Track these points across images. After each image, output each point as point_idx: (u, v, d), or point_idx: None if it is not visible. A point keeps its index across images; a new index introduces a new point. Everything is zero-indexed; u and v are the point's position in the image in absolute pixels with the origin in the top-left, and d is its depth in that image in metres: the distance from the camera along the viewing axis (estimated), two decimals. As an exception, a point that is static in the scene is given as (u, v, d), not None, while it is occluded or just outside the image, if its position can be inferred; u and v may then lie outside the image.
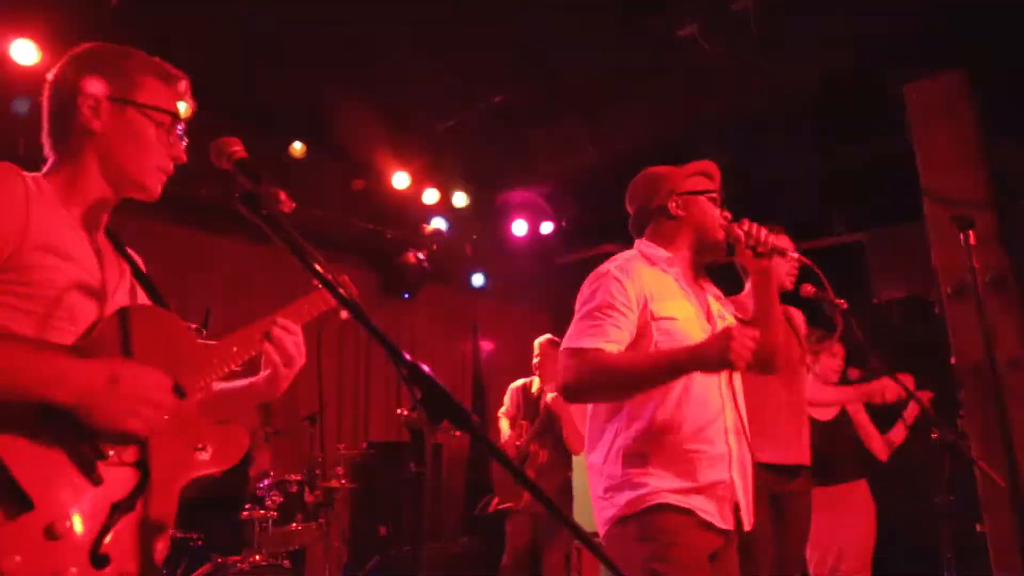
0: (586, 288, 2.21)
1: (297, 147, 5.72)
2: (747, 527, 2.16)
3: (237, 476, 4.13)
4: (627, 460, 2.10)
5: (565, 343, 2.14)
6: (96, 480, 1.36)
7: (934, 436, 2.77)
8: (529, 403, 4.98)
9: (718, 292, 2.45)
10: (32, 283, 1.41)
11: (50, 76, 1.58)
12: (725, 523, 2.11)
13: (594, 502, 2.21)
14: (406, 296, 7.05)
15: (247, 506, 3.99)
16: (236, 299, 5.93)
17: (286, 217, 1.30)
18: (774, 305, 2.31)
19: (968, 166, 4.57)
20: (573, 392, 2.14)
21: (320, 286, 1.76)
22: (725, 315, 2.35)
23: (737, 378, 2.24)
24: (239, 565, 3.71)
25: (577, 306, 2.20)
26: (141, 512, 1.42)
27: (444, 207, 6.71)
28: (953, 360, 4.57)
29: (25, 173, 1.50)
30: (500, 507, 4.83)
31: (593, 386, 2.10)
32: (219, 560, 3.73)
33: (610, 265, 2.22)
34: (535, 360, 4.98)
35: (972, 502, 4.24)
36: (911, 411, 4.21)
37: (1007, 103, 4.43)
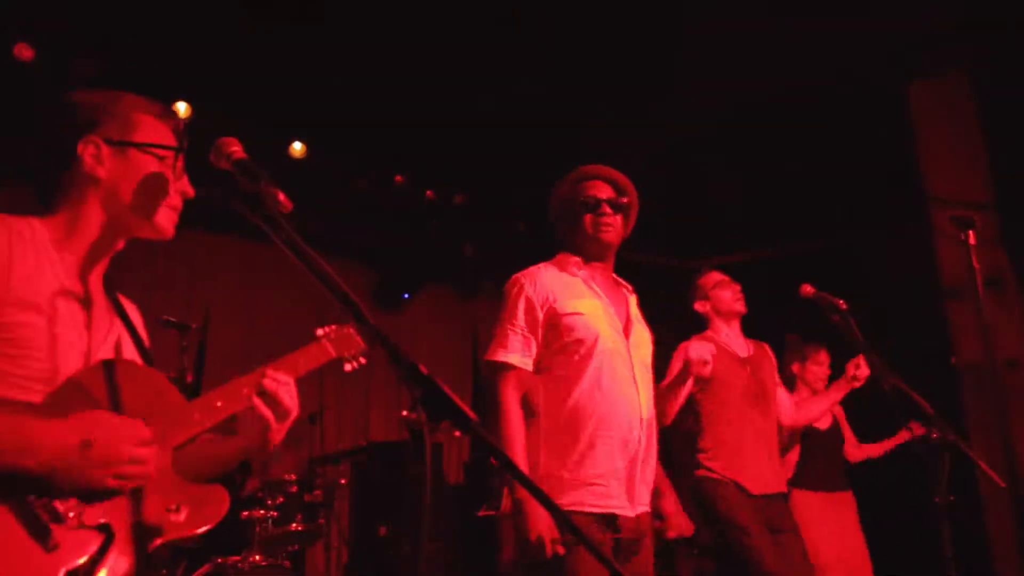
0: (504, 295, 2.45)
1: (297, 147, 5.72)
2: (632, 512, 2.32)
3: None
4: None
5: (485, 351, 2.42)
6: (50, 546, 1.28)
7: (934, 436, 2.77)
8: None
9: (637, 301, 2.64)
10: (12, 340, 1.38)
11: (42, 125, 1.56)
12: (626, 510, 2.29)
13: None
14: (406, 296, 7.05)
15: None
16: (237, 300, 5.94)
17: (285, 217, 1.29)
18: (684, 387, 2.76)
19: (969, 166, 4.58)
20: (490, 412, 2.34)
21: (318, 338, 1.75)
22: (641, 319, 2.56)
23: (644, 375, 2.44)
24: (239, 565, 3.71)
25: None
26: None
27: (443, 206, 6.71)
28: (953, 360, 4.57)
29: (13, 220, 1.47)
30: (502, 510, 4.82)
31: (496, 426, 2.30)
32: (219, 560, 3.72)
33: (519, 274, 2.45)
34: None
35: (972, 502, 4.25)
36: (901, 436, 4.36)
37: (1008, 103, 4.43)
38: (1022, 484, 2.64)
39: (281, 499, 4.14)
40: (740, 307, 3.62)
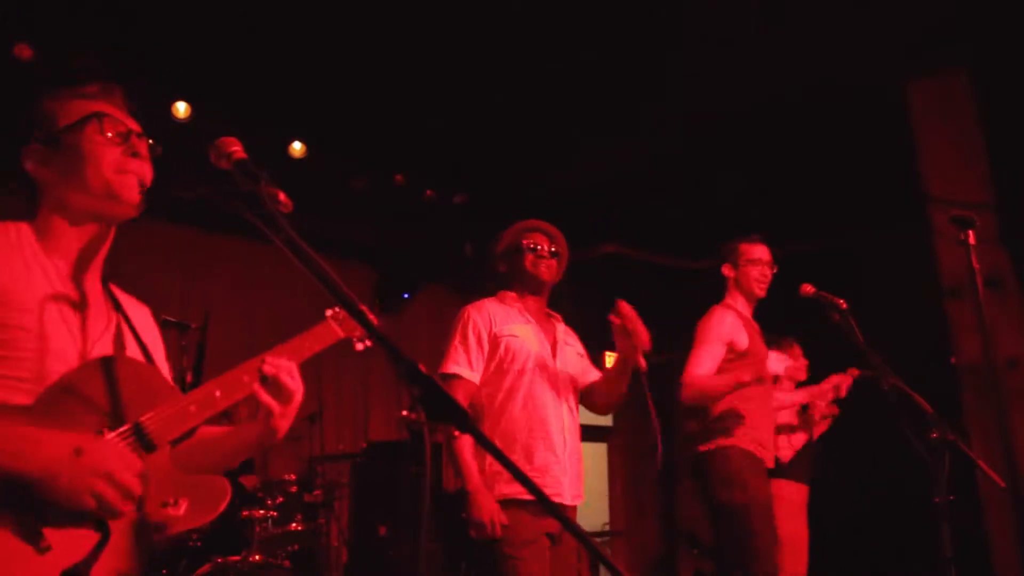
0: (455, 321, 2.93)
1: (297, 147, 5.72)
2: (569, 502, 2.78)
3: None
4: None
5: (440, 365, 2.85)
6: (42, 548, 1.27)
7: (934, 436, 2.77)
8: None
9: (566, 328, 3.11)
10: (2, 342, 1.39)
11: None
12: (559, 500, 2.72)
13: None
14: (406, 296, 7.05)
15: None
16: (236, 300, 5.93)
17: (285, 217, 1.29)
18: (626, 375, 2.90)
19: (968, 166, 4.57)
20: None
21: (326, 318, 1.73)
22: (569, 340, 3.04)
23: (565, 384, 2.90)
24: (239, 565, 3.71)
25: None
26: None
27: (443, 207, 6.72)
28: (953, 360, 4.57)
29: (4, 226, 1.49)
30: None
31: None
32: (219, 560, 3.72)
33: (468, 306, 2.94)
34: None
35: (972, 502, 4.25)
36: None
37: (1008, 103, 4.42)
38: (1022, 484, 2.63)
39: (281, 499, 4.14)
40: (758, 290, 3.61)
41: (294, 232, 1.26)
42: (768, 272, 3.63)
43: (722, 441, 3.38)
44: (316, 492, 4.59)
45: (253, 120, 4.83)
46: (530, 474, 2.56)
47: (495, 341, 2.85)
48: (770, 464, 3.45)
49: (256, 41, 4.66)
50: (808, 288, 3.26)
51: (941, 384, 3.98)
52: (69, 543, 1.30)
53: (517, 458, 2.70)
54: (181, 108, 5.00)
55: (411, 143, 5.88)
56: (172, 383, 1.62)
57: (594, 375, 3.05)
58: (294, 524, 4.23)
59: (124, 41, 4.35)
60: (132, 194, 1.55)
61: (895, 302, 5.38)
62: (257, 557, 3.79)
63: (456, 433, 2.62)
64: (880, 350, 3.07)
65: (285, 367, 1.58)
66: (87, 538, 1.33)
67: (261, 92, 4.99)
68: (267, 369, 1.56)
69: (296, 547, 4.33)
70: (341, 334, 1.75)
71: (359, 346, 1.76)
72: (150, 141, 1.61)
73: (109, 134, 1.55)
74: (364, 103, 5.29)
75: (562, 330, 3.06)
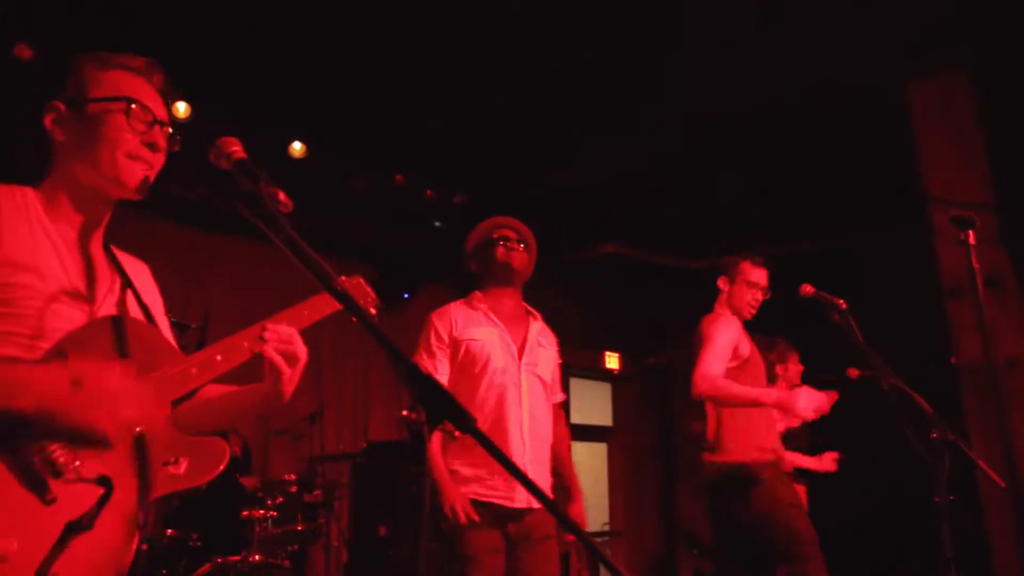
0: (423, 327, 3.03)
1: (297, 147, 5.72)
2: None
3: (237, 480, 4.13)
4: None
5: None
6: (47, 499, 1.29)
7: (934, 436, 2.77)
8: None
9: (543, 327, 3.13)
10: (9, 300, 1.39)
11: (22, 96, 1.59)
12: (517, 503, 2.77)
13: None
14: (406, 296, 7.05)
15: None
16: (236, 300, 5.93)
17: (285, 217, 1.29)
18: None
19: (968, 166, 4.57)
20: None
21: (323, 290, 1.75)
22: (542, 342, 3.05)
23: (529, 386, 2.92)
24: (239, 565, 3.71)
25: None
26: (101, 531, 1.33)
27: (444, 207, 6.71)
28: (953, 360, 4.57)
29: (4, 187, 1.49)
30: None
31: None
32: (219, 560, 3.72)
33: (433, 312, 3.04)
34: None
35: (972, 502, 4.25)
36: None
37: (1008, 103, 4.42)
38: (1022, 484, 2.63)
39: (281, 499, 4.14)
40: (747, 314, 3.66)
41: (294, 232, 1.26)
42: (761, 298, 3.66)
43: (736, 455, 3.40)
44: (316, 492, 4.59)
45: (253, 120, 4.83)
46: (484, 477, 2.77)
47: (456, 345, 2.93)
48: (787, 468, 3.51)
49: (256, 41, 4.65)
50: (808, 288, 3.26)
51: (941, 384, 3.98)
52: (74, 496, 1.32)
53: (472, 460, 2.79)
54: (181, 108, 5.00)
55: (411, 143, 5.88)
56: (173, 342, 1.65)
57: (558, 397, 3.12)
58: (294, 524, 4.23)
59: (124, 41, 4.33)
60: (133, 180, 1.55)
61: (895, 302, 5.38)
62: (257, 557, 3.79)
63: (457, 433, 2.63)
64: (880, 350, 3.07)
65: (285, 333, 1.61)
66: (91, 492, 1.35)
67: (261, 92, 4.99)
68: (267, 335, 1.59)
69: (296, 547, 4.33)
70: (338, 304, 1.74)
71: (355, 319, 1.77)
72: (170, 131, 1.62)
73: (134, 122, 1.55)
74: (364, 103, 5.29)
75: (537, 330, 3.08)
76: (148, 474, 1.43)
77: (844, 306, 3.13)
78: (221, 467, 1.52)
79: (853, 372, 4.35)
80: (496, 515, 2.76)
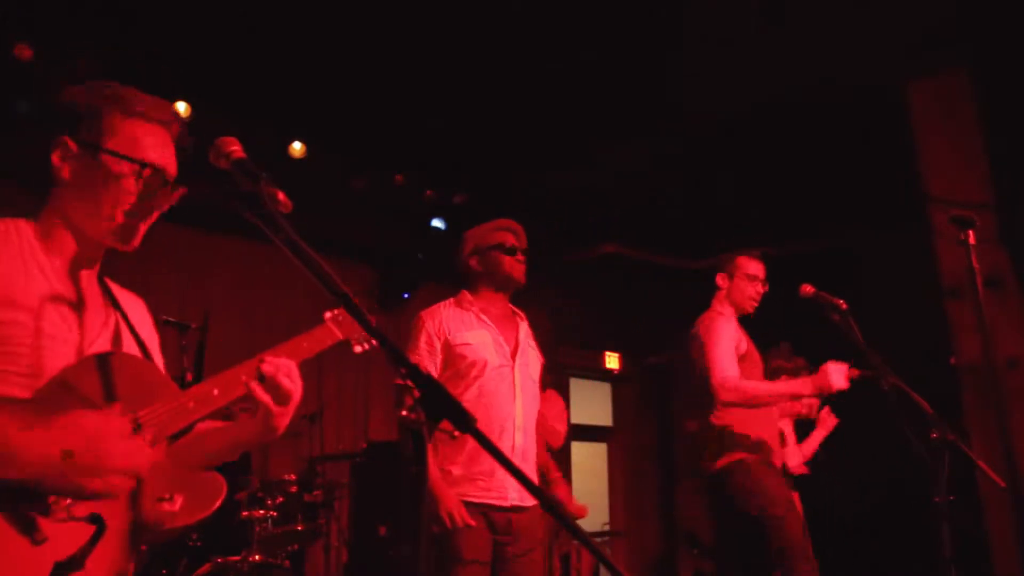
0: (411, 329, 3.00)
1: (297, 147, 5.72)
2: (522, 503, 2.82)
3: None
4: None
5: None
6: (38, 540, 1.27)
7: (934, 436, 2.77)
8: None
9: (528, 327, 3.13)
10: (1, 339, 1.38)
11: (31, 124, 1.57)
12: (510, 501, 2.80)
13: None
14: (405, 296, 7.05)
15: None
16: (236, 300, 5.93)
17: (285, 217, 1.28)
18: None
19: (968, 166, 4.57)
20: None
21: (325, 321, 1.74)
22: (530, 343, 3.06)
23: (529, 389, 2.95)
24: (239, 565, 3.71)
25: None
26: (93, 569, 1.32)
27: (444, 207, 6.72)
28: (953, 360, 4.57)
29: (3, 223, 1.48)
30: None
31: None
32: (219, 560, 3.72)
33: (423, 312, 3.00)
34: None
35: (972, 502, 4.24)
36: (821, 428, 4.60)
37: (1007, 103, 4.42)
38: (1022, 484, 2.63)
39: (281, 499, 4.14)
40: (749, 308, 3.65)
41: (294, 232, 1.26)
42: (762, 290, 3.66)
43: (736, 455, 3.39)
44: (316, 492, 4.59)
45: (253, 120, 4.83)
46: (476, 478, 2.78)
47: (449, 350, 2.91)
48: (796, 464, 3.53)
49: (256, 41, 4.65)
50: (808, 288, 3.26)
51: (941, 384, 3.98)
52: (65, 535, 1.30)
53: (464, 461, 2.80)
54: (181, 108, 5.00)
55: (411, 143, 5.88)
56: (168, 378, 1.62)
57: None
58: (294, 524, 4.23)
59: (124, 41, 4.35)
60: (135, 242, 1.56)
61: (895, 302, 5.38)
62: (257, 557, 3.79)
63: (456, 433, 2.63)
64: (880, 350, 3.07)
65: (284, 366, 1.57)
66: (83, 530, 1.33)
67: (261, 92, 4.99)
68: (266, 368, 1.55)
69: (296, 547, 4.33)
70: (340, 336, 1.74)
71: (358, 348, 1.76)
72: (175, 187, 1.59)
73: (144, 186, 1.53)
74: (364, 103, 5.29)
75: (525, 331, 3.10)
76: (142, 511, 1.41)
77: (844, 306, 3.13)
78: (217, 503, 1.50)
79: (853, 372, 4.36)
80: (486, 515, 2.78)
